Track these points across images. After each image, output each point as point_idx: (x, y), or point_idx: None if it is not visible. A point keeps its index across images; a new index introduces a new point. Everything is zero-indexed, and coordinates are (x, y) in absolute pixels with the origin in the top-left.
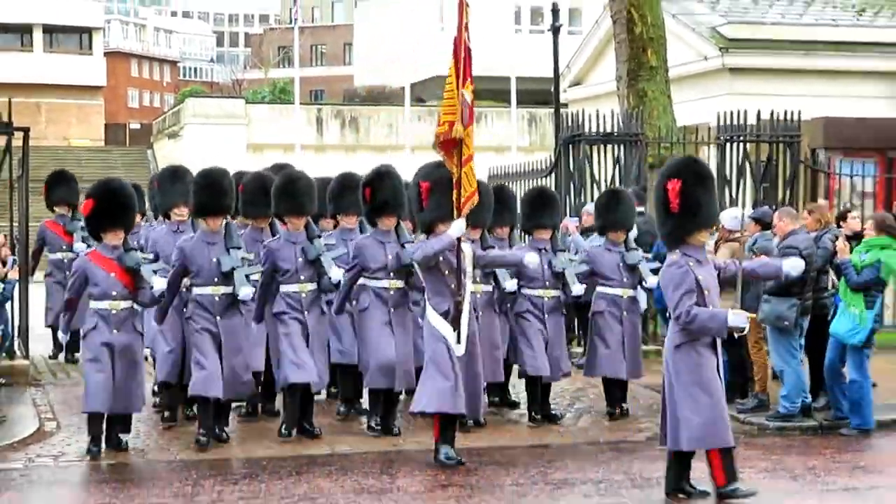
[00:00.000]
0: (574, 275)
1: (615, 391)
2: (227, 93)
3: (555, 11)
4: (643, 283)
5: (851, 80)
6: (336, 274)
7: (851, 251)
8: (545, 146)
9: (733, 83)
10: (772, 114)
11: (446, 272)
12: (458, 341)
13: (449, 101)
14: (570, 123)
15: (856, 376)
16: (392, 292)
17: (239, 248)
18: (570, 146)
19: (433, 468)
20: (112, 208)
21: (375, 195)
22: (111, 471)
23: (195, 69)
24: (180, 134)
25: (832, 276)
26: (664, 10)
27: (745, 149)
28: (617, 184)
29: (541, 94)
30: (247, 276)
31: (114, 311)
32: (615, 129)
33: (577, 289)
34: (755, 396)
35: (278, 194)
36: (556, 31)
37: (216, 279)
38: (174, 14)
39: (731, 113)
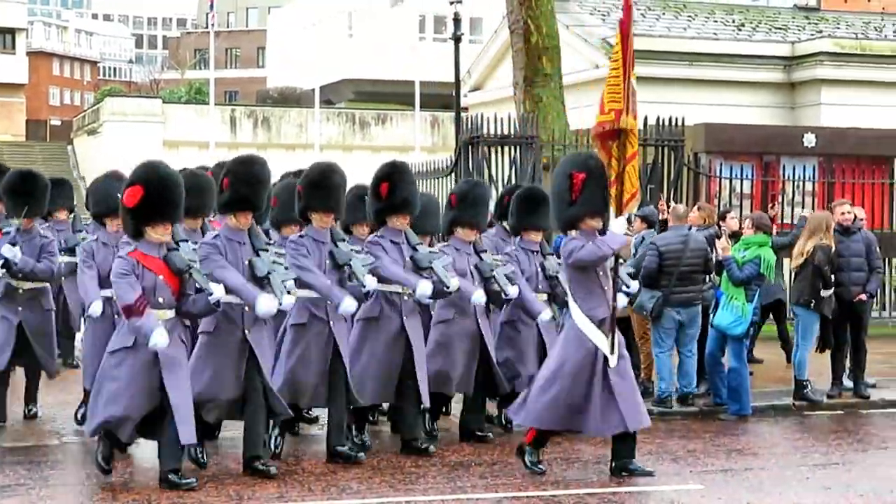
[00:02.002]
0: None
1: None
2: (145, 92)
3: (457, 21)
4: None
5: (731, 89)
6: (371, 283)
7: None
8: (447, 147)
9: None
10: (658, 119)
11: (601, 274)
12: (612, 351)
13: (613, 88)
14: (469, 126)
15: (735, 365)
16: (406, 298)
17: (267, 249)
18: (470, 147)
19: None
20: (163, 198)
21: (394, 191)
22: (27, 453)
23: (115, 69)
24: (99, 131)
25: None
26: (559, 21)
27: None
28: (513, 182)
29: (443, 98)
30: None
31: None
32: (512, 132)
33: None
34: (641, 384)
35: (309, 187)
36: (457, 39)
37: None
38: (95, 16)
39: None
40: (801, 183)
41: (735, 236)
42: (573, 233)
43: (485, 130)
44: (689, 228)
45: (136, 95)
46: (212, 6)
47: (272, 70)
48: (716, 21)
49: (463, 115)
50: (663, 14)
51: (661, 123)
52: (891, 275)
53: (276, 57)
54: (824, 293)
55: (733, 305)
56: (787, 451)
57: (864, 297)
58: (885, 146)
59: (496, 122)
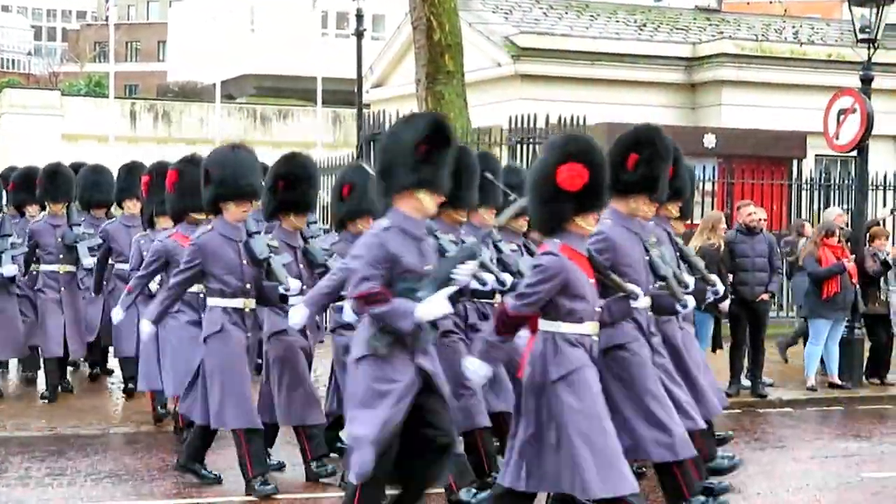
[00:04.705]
0: None
1: None
2: (44, 85)
3: (359, 17)
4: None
5: (632, 88)
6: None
7: None
8: (349, 143)
9: (524, 89)
10: (559, 118)
11: None
12: None
13: None
14: (371, 122)
15: None
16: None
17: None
18: (372, 143)
19: (231, 448)
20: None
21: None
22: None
23: (13, 61)
24: None
25: None
26: (461, 19)
27: (534, 150)
28: None
29: (345, 94)
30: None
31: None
32: None
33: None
34: None
35: None
36: (359, 35)
37: None
38: None
39: (522, 116)
40: (700, 183)
41: None
42: None
43: (387, 127)
44: None
45: (35, 87)
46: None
47: (173, 64)
48: (618, 21)
49: (365, 111)
50: (566, 13)
51: (563, 122)
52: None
53: (176, 51)
54: (709, 294)
55: None
56: None
57: (766, 296)
58: (784, 147)
59: (398, 118)
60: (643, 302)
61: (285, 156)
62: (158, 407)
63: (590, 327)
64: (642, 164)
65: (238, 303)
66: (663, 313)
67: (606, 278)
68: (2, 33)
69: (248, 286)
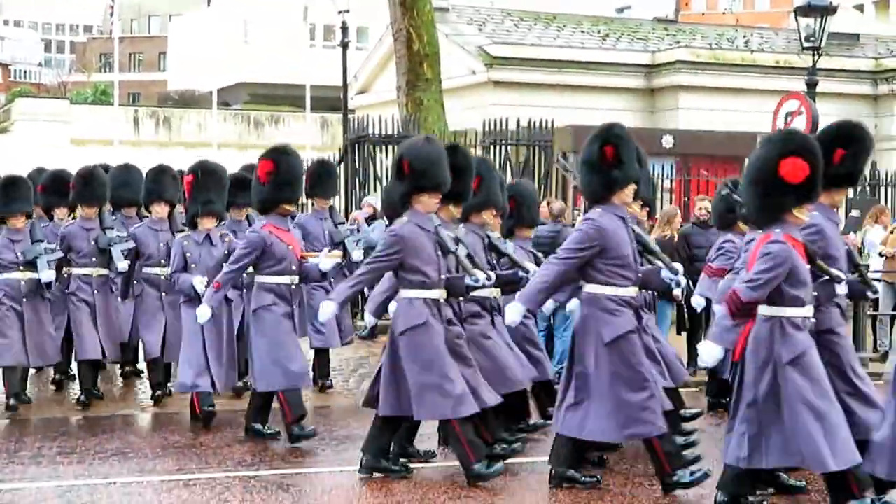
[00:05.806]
0: None
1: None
2: (54, 93)
3: (344, 29)
4: None
5: (596, 94)
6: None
7: None
8: (336, 146)
9: (497, 94)
10: (529, 121)
11: None
12: None
13: None
14: (356, 126)
15: None
16: None
17: None
18: (356, 146)
19: (233, 426)
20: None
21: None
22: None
23: (25, 72)
24: (10, 129)
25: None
26: (439, 30)
27: (506, 151)
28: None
29: (332, 100)
30: None
31: None
32: (395, 132)
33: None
34: None
35: None
36: (345, 46)
37: None
38: (6, 23)
39: (495, 120)
40: (660, 181)
41: None
42: None
43: (370, 130)
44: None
45: (45, 96)
46: (111, 14)
47: (173, 74)
48: (583, 32)
49: (350, 116)
50: (535, 25)
51: (531, 125)
52: None
53: (176, 61)
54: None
55: None
56: None
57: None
58: (737, 147)
59: (381, 122)
60: (844, 288)
61: (449, 147)
62: (205, 406)
63: (810, 311)
64: (848, 158)
65: (437, 294)
66: (854, 298)
67: (817, 265)
68: (14, 46)
69: (442, 277)
